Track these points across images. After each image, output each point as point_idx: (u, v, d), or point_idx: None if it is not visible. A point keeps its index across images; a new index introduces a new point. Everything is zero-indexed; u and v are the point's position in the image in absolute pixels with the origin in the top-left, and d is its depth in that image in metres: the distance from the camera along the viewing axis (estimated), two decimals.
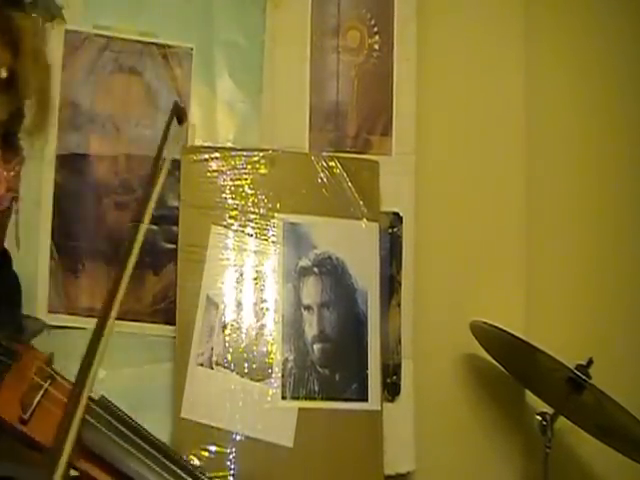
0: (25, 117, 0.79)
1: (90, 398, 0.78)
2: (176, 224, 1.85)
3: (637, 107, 2.35)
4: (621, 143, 2.34)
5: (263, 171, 1.91)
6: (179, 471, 0.77)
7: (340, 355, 1.88)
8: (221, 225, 1.85)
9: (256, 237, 1.87)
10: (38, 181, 1.83)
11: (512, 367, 2.07)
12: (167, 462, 0.77)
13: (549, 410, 1.91)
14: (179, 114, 0.99)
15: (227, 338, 1.80)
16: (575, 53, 2.33)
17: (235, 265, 1.85)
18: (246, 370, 1.79)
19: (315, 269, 1.91)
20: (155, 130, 1.91)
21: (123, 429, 0.77)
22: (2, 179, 0.76)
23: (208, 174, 1.87)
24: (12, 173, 0.77)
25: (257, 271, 1.86)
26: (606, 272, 2.30)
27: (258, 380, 1.80)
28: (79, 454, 0.74)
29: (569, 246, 2.28)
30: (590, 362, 1.83)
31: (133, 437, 0.77)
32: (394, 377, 2.01)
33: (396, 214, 2.05)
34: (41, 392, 0.76)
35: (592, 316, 2.25)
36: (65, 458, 0.67)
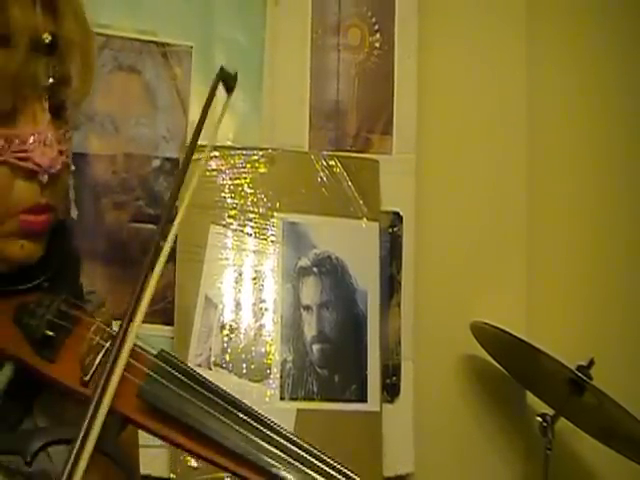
0: (71, 84, 0.79)
1: (147, 352, 0.76)
2: None
3: (638, 106, 2.34)
4: (623, 144, 2.33)
5: (262, 170, 1.90)
6: (251, 421, 0.74)
7: (339, 356, 1.88)
8: (220, 224, 1.85)
9: (255, 237, 1.86)
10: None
11: (513, 368, 2.06)
12: (235, 411, 0.75)
13: (550, 411, 1.90)
14: (227, 80, 0.82)
15: (225, 338, 1.79)
16: (577, 51, 2.32)
17: (234, 265, 1.84)
18: (244, 371, 1.79)
19: (314, 269, 1.90)
20: (154, 129, 1.90)
21: (188, 381, 0.74)
22: (54, 142, 0.76)
23: (207, 173, 1.86)
24: (64, 137, 0.78)
25: (256, 271, 1.85)
26: (607, 273, 2.29)
27: (256, 381, 1.79)
28: (141, 411, 0.72)
29: (570, 246, 2.27)
30: (591, 363, 1.82)
31: (199, 389, 0.74)
32: (394, 378, 2.00)
33: (396, 213, 2.05)
34: (102, 352, 0.74)
35: (593, 317, 2.24)
36: (107, 404, 0.66)
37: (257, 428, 0.73)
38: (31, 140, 0.75)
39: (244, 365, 1.79)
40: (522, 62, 2.23)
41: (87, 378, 0.73)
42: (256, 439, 0.73)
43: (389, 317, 2.00)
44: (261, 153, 1.91)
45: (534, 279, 2.20)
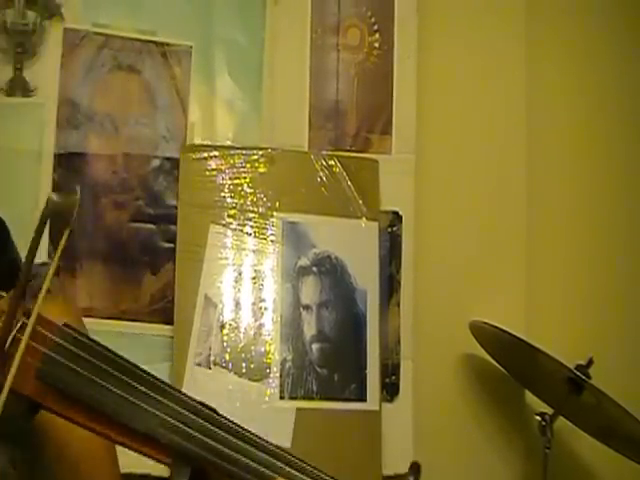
0: None
1: (57, 329, 0.73)
2: (174, 223, 1.85)
3: (638, 107, 2.34)
4: (622, 144, 2.33)
5: (262, 170, 1.90)
6: (147, 390, 0.71)
7: (339, 355, 1.88)
8: (220, 224, 1.85)
9: (255, 236, 1.87)
10: (36, 180, 1.83)
11: (512, 367, 2.07)
12: (136, 384, 0.72)
13: (549, 410, 1.90)
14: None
15: (225, 338, 1.80)
16: (576, 51, 2.32)
17: (234, 264, 1.84)
18: (244, 370, 1.79)
19: (314, 268, 1.90)
20: (154, 129, 1.90)
21: (89, 357, 0.72)
22: None
23: (207, 173, 1.86)
24: None
25: (256, 270, 1.85)
26: (606, 273, 2.29)
27: (256, 380, 1.79)
28: (39, 392, 0.71)
29: (569, 246, 2.27)
30: (590, 362, 1.82)
31: (100, 364, 0.72)
32: (393, 377, 2.00)
33: (396, 213, 2.05)
34: (16, 328, 0.72)
35: (592, 316, 2.24)
36: (5, 390, 0.65)
37: (160, 401, 0.71)
38: None
39: (244, 364, 1.79)
40: (521, 62, 2.23)
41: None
42: (161, 414, 0.70)
43: (388, 316, 2.01)
44: (261, 153, 1.91)
45: (533, 279, 2.20)
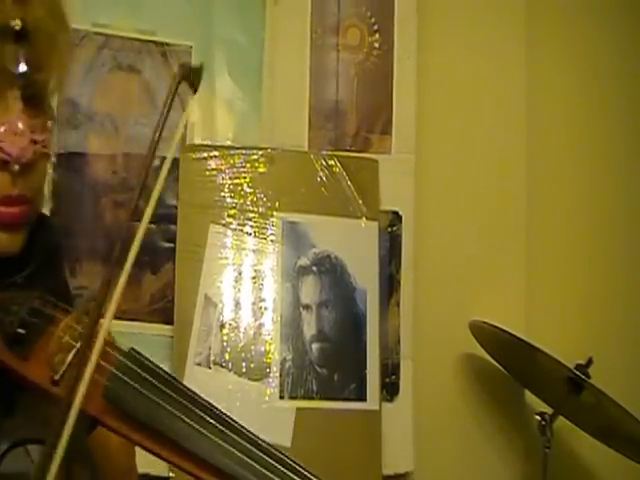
0: (45, 73, 0.77)
1: (119, 350, 0.74)
2: (174, 223, 1.85)
3: (638, 106, 2.34)
4: (622, 144, 2.33)
5: (262, 170, 1.90)
6: (216, 424, 0.72)
7: (339, 355, 1.88)
8: (220, 224, 1.85)
9: (255, 236, 1.87)
10: None
11: (512, 367, 2.07)
12: (204, 415, 0.73)
13: (548, 410, 1.90)
14: (191, 78, 0.74)
15: (225, 337, 1.80)
16: (576, 51, 2.32)
17: (234, 264, 1.84)
18: (244, 370, 1.79)
19: (314, 268, 1.90)
20: (153, 128, 1.90)
21: (154, 382, 0.72)
22: (26, 131, 0.74)
23: (207, 173, 1.86)
24: (41, 127, 0.76)
25: (256, 270, 1.85)
26: (606, 272, 2.29)
27: (256, 380, 1.79)
28: (109, 411, 0.71)
29: (569, 246, 2.27)
30: (590, 362, 1.82)
31: (165, 389, 0.72)
32: (393, 377, 2.00)
33: (395, 213, 2.05)
34: (73, 352, 0.72)
35: (592, 316, 2.25)
36: (76, 408, 0.65)
37: (222, 431, 0.72)
38: (1, 129, 0.73)
39: (244, 364, 1.79)
40: (521, 62, 2.23)
41: (57, 377, 0.72)
42: (222, 443, 0.71)
43: (388, 316, 2.01)
44: (261, 153, 1.91)
45: (533, 278, 2.20)
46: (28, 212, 0.77)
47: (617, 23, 2.34)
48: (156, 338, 1.85)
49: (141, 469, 0.95)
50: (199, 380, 1.75)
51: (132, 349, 0.75)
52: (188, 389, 0.75)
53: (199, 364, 1.76)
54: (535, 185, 2.23)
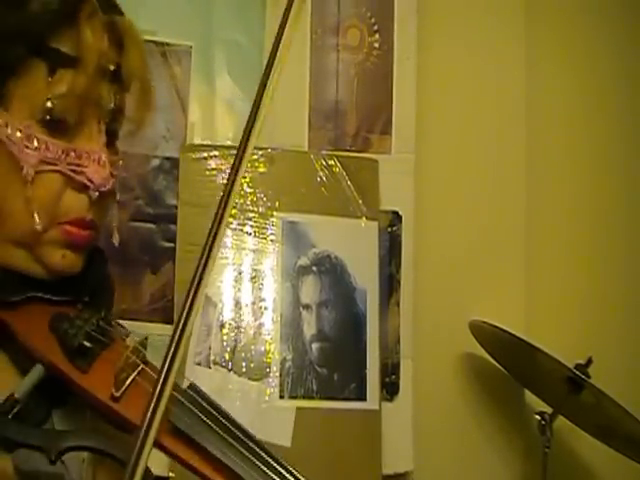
0: (125, 114, 0.85)
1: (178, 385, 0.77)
2: (174, 223, 1.85)
3: (637, 107, 2.34)
4: (621, 145, 2.33)
5: (262, 170, 1.90)
6: (271, 461, 0.75)
7: (338, 354, 1.88)
8: None
9: (255, 236, 1.87)
10: None
11: (511, 366, 2.07)
12: (259, 451, 0.75)
13: (548, 410, 1.90)
14: None
15: (225, 337, 1.80)
16: (575, 52, 2.32)
17: (234, 264, 1.84)
18: (244, 369, 1.79)
19: (314, 268, 1.90)
20: (153, 128, 1.90)
21: (216, 414, 0.76)
22: (107, 163, 0.80)
23: (207, 172, 1.86)
24: (114, 163, 0.83)
25: (256, 270, 1.86)
26: (605, 272, 2.29)
27: (256, 379, 1.79)
28: (171, 436, 0.73)
29: (568, 245, 2.27)
30: (589, 361, 1.82)
31: (225, 423, 0.76)
32: (393, 376, 2.00)
33: (395, 213, 2.05)
34: (136, 371, 0.75)
35: (591, 316, 2.25)
36: (153, 435, 0.66)
37: (274, 467, 0.74)
38: (86, 156, 0.79)
39: (244, 364, 1.79)
40: (521, 62, 2.23)
41: (118, 394, 0.73)
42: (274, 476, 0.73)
43: (388, 316, 2.01)
44: (261, 153, 1.91)
45: (533, 278, 2.20)
46: (94, 238, 0.83)
47: (616, 23, 2.34)
48: (156, 338, 1.85)
49: None
50: (199, 380, 1.75)
51: (193, 383, 0.78)
52: (243, 426, 0.77)
53: (199, 364, 1.77)
54: (534, 185, 2.23)
